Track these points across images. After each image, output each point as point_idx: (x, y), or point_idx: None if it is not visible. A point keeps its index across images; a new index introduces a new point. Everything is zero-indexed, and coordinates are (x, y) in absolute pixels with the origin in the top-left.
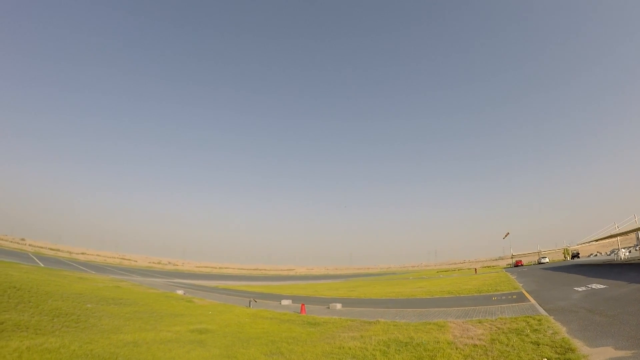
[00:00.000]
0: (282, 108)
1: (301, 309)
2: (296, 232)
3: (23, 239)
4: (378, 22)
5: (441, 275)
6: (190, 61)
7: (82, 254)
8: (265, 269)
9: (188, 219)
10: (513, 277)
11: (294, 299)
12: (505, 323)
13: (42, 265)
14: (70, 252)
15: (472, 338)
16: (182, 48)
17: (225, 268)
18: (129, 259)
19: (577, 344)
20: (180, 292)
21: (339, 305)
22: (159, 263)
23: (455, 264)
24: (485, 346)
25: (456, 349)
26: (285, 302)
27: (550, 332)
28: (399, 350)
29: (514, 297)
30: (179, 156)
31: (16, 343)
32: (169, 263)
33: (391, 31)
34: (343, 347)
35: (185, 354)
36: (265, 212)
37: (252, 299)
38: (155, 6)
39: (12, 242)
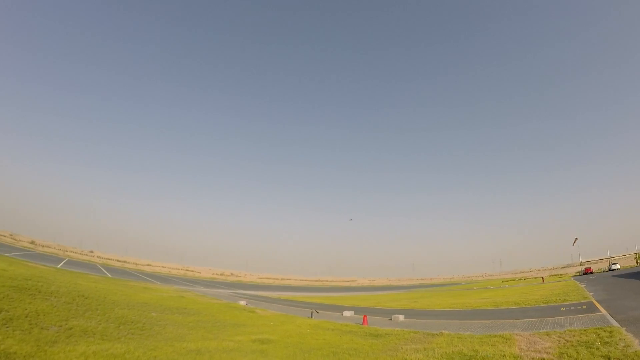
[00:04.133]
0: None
1: (363, 320)
2: (358, 244)
3: (92, 251)
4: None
5: (506, 285)
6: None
7: (148, 265)
8: (326, 281)
9: (252, 232)
10: (582, 286)
11: (356, 310)
12: (574, 335)
13: (110, 275)
14: (137, 264)
15: (540, 352)
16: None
17: (287, 279)
18: (193, 271)
19: None
20: (242, 302)
21: (401, 317)
22: (221, 274)
23: (521, 273)
24: None
25: None
26: (347, 313)
27: (622, 344)
28: None
29: (584, 307)
30: (242, 170)
31: (83, 347)
32: (232, 274)
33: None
34: None
35: None
36: (327, 224)
37: (313, 310)
38: (159, 7)
39: (81, 254)
